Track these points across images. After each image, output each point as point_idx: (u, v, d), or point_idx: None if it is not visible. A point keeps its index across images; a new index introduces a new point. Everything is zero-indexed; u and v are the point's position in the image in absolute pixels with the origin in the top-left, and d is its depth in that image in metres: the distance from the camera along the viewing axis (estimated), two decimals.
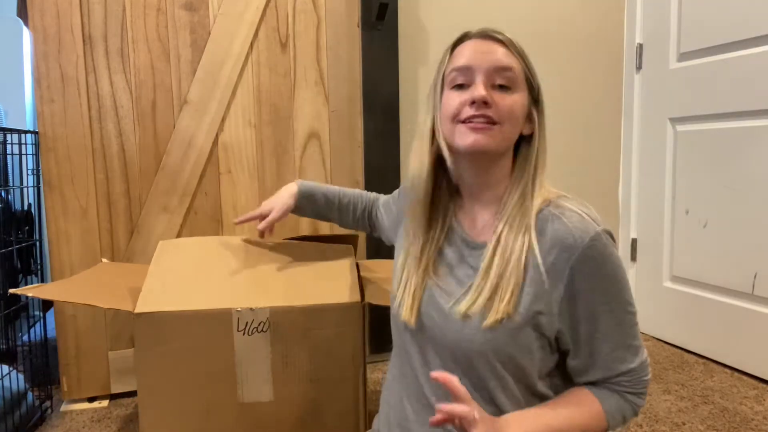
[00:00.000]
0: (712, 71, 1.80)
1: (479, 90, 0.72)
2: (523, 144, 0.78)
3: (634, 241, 2.14)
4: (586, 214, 0.73)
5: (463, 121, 0.74)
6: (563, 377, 0.78)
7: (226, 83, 1.60)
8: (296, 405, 1.05)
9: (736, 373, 1.73)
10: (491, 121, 0.73)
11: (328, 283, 1.05)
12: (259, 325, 1.02)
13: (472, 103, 0.73)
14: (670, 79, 1.96)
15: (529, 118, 0.77)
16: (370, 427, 0.92)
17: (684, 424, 1.42)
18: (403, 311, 0.80)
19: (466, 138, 0.73)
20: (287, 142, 1.67)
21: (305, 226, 1.67)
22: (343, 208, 1.13)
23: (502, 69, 0.73)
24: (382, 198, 1.11)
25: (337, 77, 1.69)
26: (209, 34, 1.58)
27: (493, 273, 0.72)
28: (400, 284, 0.83)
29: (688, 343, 1.93)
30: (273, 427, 1.05)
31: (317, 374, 1.05)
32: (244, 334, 1.02)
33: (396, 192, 1.04)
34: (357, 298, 1.06)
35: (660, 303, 2.03)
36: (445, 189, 0.82)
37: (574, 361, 0.76)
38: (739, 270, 1.74)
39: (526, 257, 0.72)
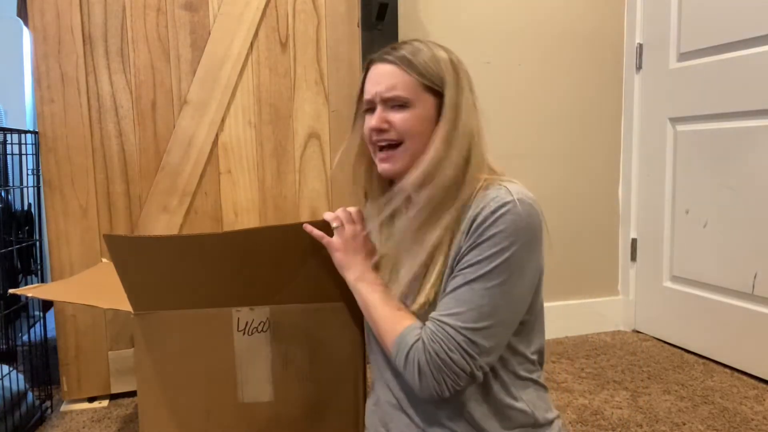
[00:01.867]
0: (712, 71, 1.80)
1: (373, 121, 0.82)
2: None
3: (634, 241, 2.14)
4: (508, 189, 0.76)
5: (374, 144, 0.84)
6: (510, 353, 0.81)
7: (226, 83, 1.60)
8: (296, 405, 1.05)
9: (736, 373, 1.73)
10: (394, 143, 0.82)
11: (328, 282, 1.05)
12: (259, 325, 1.02)
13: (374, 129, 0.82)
14: (670, 79, 1.96)
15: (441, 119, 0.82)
16: None
17: (684, 424, 1.42)
18: None
19: (379, 167, 0.85)
20: (287, 142, 1.67)
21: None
22: None
23: (392, 90, 0.81)
24: None
25: (337, 77, 1.69)
26: (209, 34, 1.58)
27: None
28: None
29: (688, 343, 1.93)
30: (273, 427, 1.05)
31: (317, 374, 1.05)
32: (244, 334, 1.02)
33: None
34: None
35: (660, 303, 2.03)
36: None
37: None
38: (739, 270, 1.74)
39: (450, 242, 0.77)
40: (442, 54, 0.82)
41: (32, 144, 1.57)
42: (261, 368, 1.03)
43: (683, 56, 1.92)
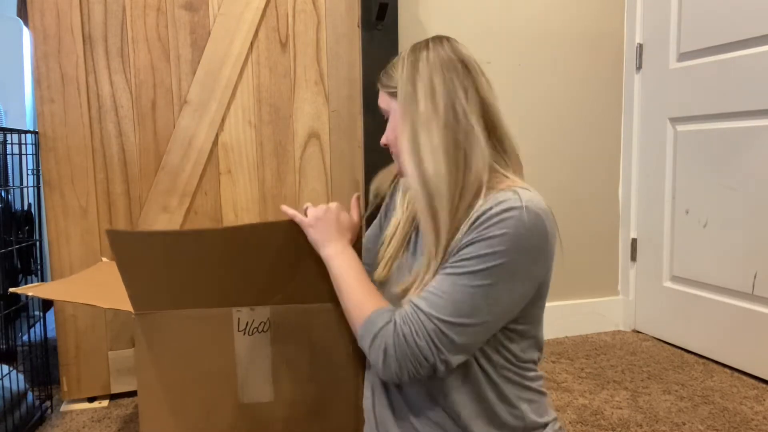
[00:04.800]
0: (712, 71, 1.80)
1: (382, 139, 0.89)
2: None
3: (634, 241, 2.14)
4: (519, 195, 0.74)
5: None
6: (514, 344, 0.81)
7: (226, 83, 1.60)
8: (296, 405, 1.05)
9: (736, 373, 1.73)
10: (397, 154, 0.86)
11: (328, 282, 1.05)
12: (260, 325, 1.02)
13: None
14: (670, 79, 1.96)
15: None
16: None
17: (684, 424, 1.42)
18: (375, 275, 0.91)
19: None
20: (287, 142, 1.67)
21: None
22: None
23: (383, 112, 0.89)
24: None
25: (337, 77, 1.69)
26: (209, 34, 1.58)
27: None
28: (384, 251, 0.93)
29: (688, 343, 1.93)
30: (273, 427, 1.05)
31: (317, 375, 1.05)
32: (244, 334, 1.02)
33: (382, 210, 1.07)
34: None
35: (660, 303, 2.03)
36: None
37: None
38: (739, 270, 1.74)
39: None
40: (413, 56, 0.83)
41: (32, 144, 1.57)
42: (261, 368, 1.03)
43: (683, 56, 1.92)
